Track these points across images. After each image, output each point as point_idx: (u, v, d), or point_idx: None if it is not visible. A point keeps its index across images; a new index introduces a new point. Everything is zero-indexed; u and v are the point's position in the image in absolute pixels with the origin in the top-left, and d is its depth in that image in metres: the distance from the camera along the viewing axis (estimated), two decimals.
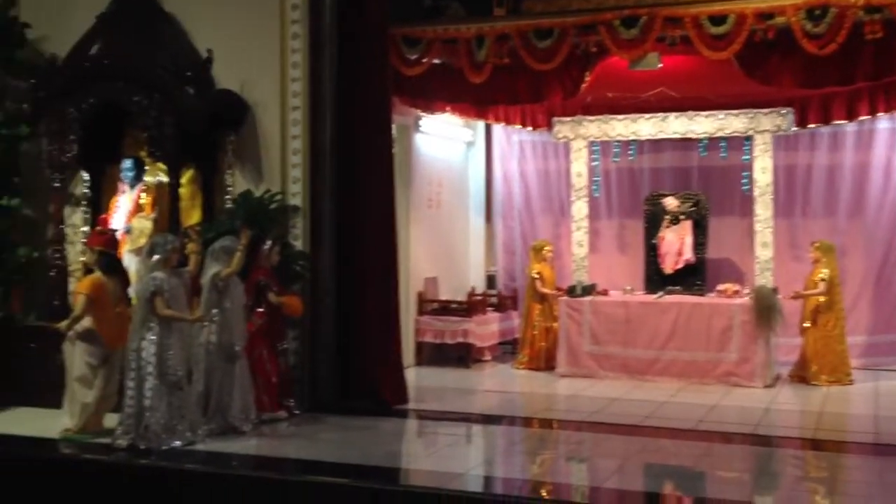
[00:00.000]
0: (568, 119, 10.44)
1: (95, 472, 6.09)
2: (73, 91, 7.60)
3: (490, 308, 11.06)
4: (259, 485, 5.84)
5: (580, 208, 10.38)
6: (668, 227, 10.16)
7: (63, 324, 6.65)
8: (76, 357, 6.63)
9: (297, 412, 7.45)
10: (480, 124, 11.61)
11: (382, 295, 8.05)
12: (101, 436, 6.52)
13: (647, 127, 10.07)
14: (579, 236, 10.35)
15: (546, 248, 10.49)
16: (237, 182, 7.96)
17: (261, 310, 7.28)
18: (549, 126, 10.66)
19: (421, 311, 10.48)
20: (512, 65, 8.67)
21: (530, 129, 11.09)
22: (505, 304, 11.39)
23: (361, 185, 8.05)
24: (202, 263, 6.90)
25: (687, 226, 10.11)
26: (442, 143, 11.14)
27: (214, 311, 6.80)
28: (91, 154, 7.97)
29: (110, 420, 6.66)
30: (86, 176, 8.26)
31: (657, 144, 10.74)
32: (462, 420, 7.77)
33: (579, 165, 10.39)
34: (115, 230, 7.53)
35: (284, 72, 7.82)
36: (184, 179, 7.87)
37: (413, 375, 9.05)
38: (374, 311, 8.00)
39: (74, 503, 5.91)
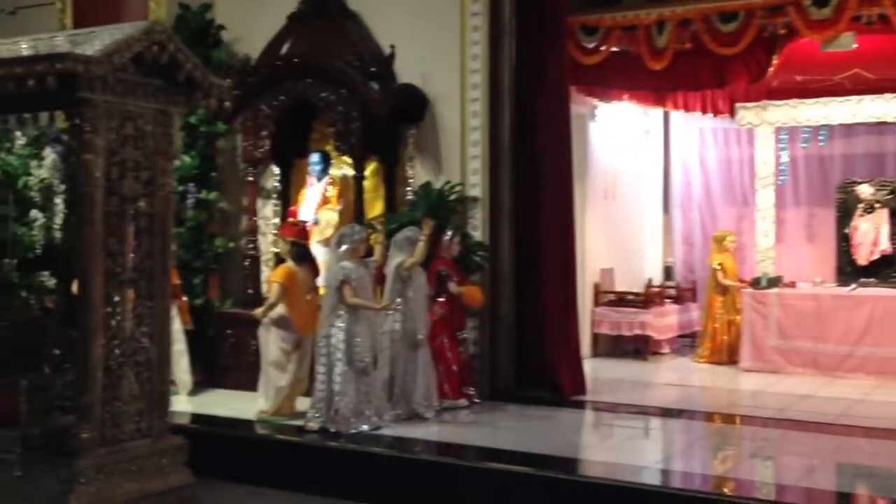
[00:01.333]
0: (752, 104, 10.08)
1: (288, 453, 6.37)
2: (266, 89, 7.98)
3: (668, 300, 10.83)
4: (442, 470, 5.96)
5: (765, 197, 10.01)
6: (861, 216, 9.68)
7: (259, 311, 7.00)
8: (270, 342, 6.94)
9: (476, 400, 7.54)
10: (658, 112, 11.37)
11: (561, 285, 8.03)
12: (294, 418, 6.81)
13: (839, 111, 9.60)
14: (765, 226, 10.00)
15: (728, 238, 10.18)
16: (418, 174, 8.13)
17: (442, 299, 7.40)
18: (732, 112, 10.33)
19: (597, 303, 10.38)
20: (693, 50, 8.44)
21: (711, 115, 10.76)
22: (683, 295, 11.13)
23: (540, 176, 8.06)
24: (386, 254, 7.08)
25: (883, 214, 9.59)
26: (618, 132, 10.98)
27: (398, 300, 6.97)
28: (281, 149, 8.34)
29: (301, 403, 6.96)
30: (276, 170, 8.66)
31: (850, 129, 10.22)
32: (640, 413, 7.63)
33: (765, 152, 10.03)
34: (305, 221, 7.85)
35: (464, 64, 7.91)
36: (367, 172, 8.12)
37: (589, 367, 8.96)
38: (552, 300, 8.00)
39: (268, 480, 6.18)
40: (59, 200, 7.26)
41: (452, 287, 7.39)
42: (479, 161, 7.94)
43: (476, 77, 7.89)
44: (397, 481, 5.92)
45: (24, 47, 4.89)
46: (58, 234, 7.21)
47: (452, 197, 7.78)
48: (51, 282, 7.20)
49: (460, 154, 7.98)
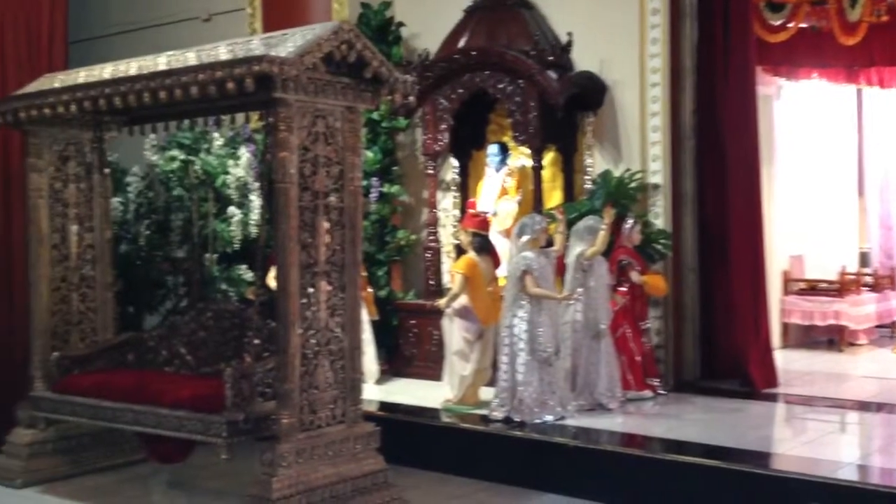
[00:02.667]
0: None
1: (473, 441, 6.45)
2: (444, 82, 8.09)
3: (864, 288, 10.25)
4: (627, 461, 5.88)
5: None
6: None
7: (442, 301, 7.11)
8: (454, 332, 7.03)
9: (661, 392, 7.38)
10: (850, 89, 10.75)
11: (749, 272, 7.75)
12: (478, 407, 6.89)
13: None
14: None
15: None
16: (597, 162, 8.03)
17: (623, 289, 7.28)
18: None
19: (786, 291, 9.95)
20: (890, 22, 7.93)
21: None
22: (881, 283, 10.50)
23: (724, 160, 7.80)
24: (567, 243, 7.04)
25: None
26: (807, 111, 10.46)
27: (580, 289, 6.92)
28: (459, 141, 8.44)
29: (485, 393, 7.02)
30: (455, 162, 8.78)
31: None
32: (836, 406, 7.27)
33: None
34: (485, 212, 7.91)
35: (643, 48, 7.73)
36: (545, 161, 8.09)
37: (780, 358, 8.60)
38: (739, 289, 7.73)
39: (454, 468, 6.28)
40: (253, 197, 7.65)
41: (634, 276, 7.27)
42: (659, 147, 7.75)
43: (656, 61, 7.69)
44: (582, 472, 5.89)
45: (223, 52, 5.15)
46: (253, 230, 7.60)
47: (633, 184, 7.64)
48: (248, 274, 7.61)
49: (640, 140, 7.82)
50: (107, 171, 6.54)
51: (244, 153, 7.81)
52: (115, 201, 7.32)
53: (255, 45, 5.11)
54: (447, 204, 8.81)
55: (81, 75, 5.90)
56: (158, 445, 5.73)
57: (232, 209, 7.55)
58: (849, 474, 5.45)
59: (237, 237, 7.56)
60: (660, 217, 7.76)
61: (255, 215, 7.60)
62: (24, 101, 5.82)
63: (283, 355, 4.88)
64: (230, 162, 7.69)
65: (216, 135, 7.75)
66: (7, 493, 5.94)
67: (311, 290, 5.01)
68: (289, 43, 4.86)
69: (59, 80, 6.09)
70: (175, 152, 7.66)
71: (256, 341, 5.45)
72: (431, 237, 8.54)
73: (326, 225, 5.07)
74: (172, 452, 5.77)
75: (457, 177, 8.80)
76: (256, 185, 7.68)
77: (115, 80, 5.34)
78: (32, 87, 6.19)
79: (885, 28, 8.13)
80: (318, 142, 5.04)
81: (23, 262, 7.08)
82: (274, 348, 5.11)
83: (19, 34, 7.77)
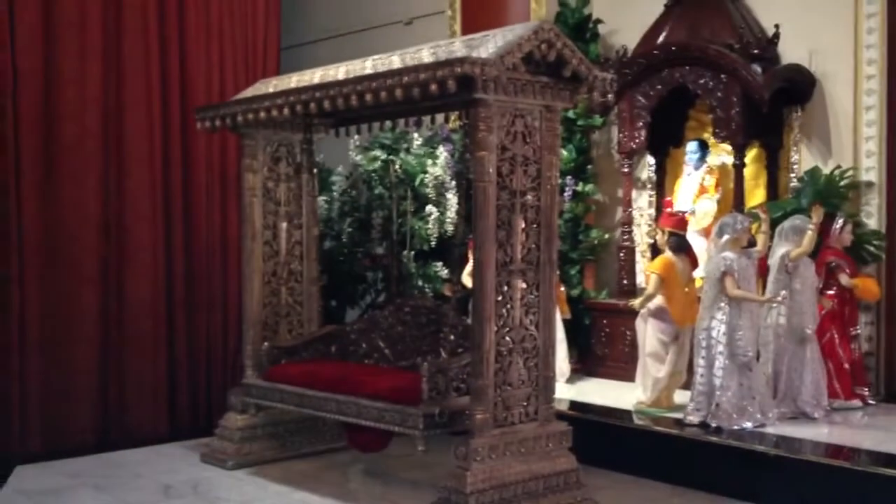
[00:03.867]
0: None
1: (667, 445, 6.32)
2: (642, 79, 7.97)
3: None
4: (832, 473, 5.58)
5: None
6: None
7: (637, 301, 7.01)
8: (648, 334, 6.91)
9: (871, 402, 6.98)
10: None
11: None
12: (672, 410, 6.74)
13: None
14: None
15: None
16: (803, 159, 7.69)
17: (831, 292, 6.93)
18: None
19: None
20: None
21: None
22: None
23: None
24: (770, 244, 6.78)
25: None
26: None
27: (783, 292, 6.64)
28: (656, 139, 8.29)
29: (679, 396, 6.87)
30: (651, 160, 8.63)
31: None
32: None
33: None
34: (683, 211, 7.73)
35: (858, 39, 7.32)
36: (748, 159, 7.82)
37: None
38: None
39: (645, 471, 6.19)
40: (449, 196, 7.82)
41: (844, 279, 6.90)
42: (874, 143, 7.32)
43: (872, 52, 7.27)
44: (782, 482, 5.65)
45: (426, 54, 5.29)
46: (449, 227, 7.77)
47: (843, 182, 7.25)
48: (443, 271, 7.79)
49: (853, 136, 7.41)
50: (315, 171, 6.86)
51: (442, 152, 7.99)
52: (321, 200, 7.67)
53: (457, 46, 5.22)
54: (643, 203, 8.68)
55: (293, 80, 6.21)
56: (358, 434, 5.97)
57: (429, 207, 7.75)
58: None
59: (434, 234, 7.75)
60: (873, 217, 7.36)
61: (451, 213, 7.77)
62: (242, 105, 6.18)
63: (477, 351, 4.96)
64: (428, 161, 7.90)
65: (415, 135, 7.97)
66: (220, 473, 6.34)
67: (506, 287, 5.06)
68: (490, 44, 4.92)
69: (273, 84, 6.45)
70: (377, 152, 7.94)
71: (452, 337, 5.58)
72: (626, 236, 8.43)
73: (522, 224, 5.11)
74: (371, 442, 5.99)
75: (653, 175, 8.66)
76: (453, 183, 7.84)
77: (325, 84, 5.58)
78: (249, 92, 6.58)
79: None
80: (516, 141, 5.09)
81: (237, 257, 7.56)
82: (469, 345, 5.21)
83: (237, 42, 8.27)
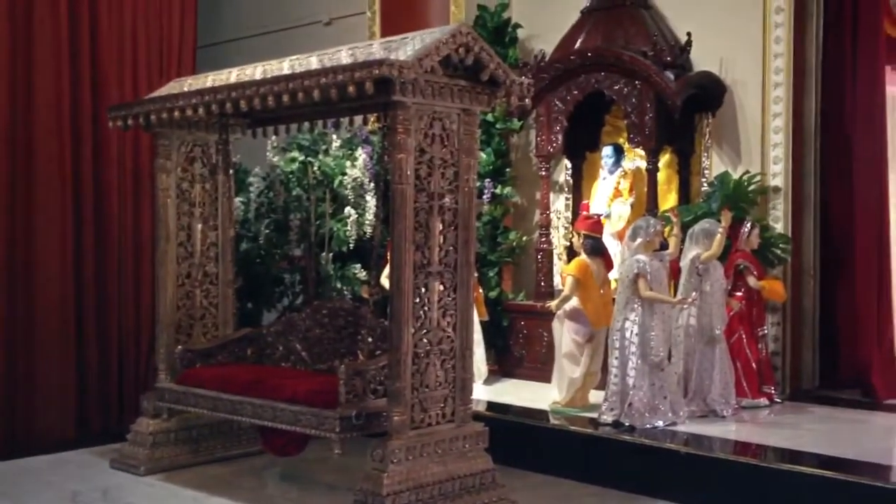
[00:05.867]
0: None
1: (582, 444, 6.42)
2: (560, 84, 8.07)
3: None
4: (740, 470, 5.74)
5: None
6: None
7: (553, 303, 7.10)
8: (564, 335, 7.01)
9: (777, 400, 7.20)
10: None
11: (873, 278, 7.54)
12: (587, 410, 6.85)
13: None
14: None
15: None
16: (714, 164, 7.89)
17: (740, 293, 7.14)
18: None
19: None
20: None
21: None
22: None
23: (849, 163, 7.56)
24: (681, 247, 6.94)
25: None
26: None
27: (694, 294, 6.80)
28: (573, 143, 8.40)
29: (594, 396, 6.98)
30: (568, 164, 8.76)
31: None
32: None
33: None
34: (599, 214, 7.86)
35: (766, 48, 7.55)
36: (661, 163, 7.99)
37: None
38: (862, 295, 7.51)
39: (561, 470, 6.26)
40: (368, 198, 7.81)
41: (752, 281, 7.11)
42: (781, 149, 7.55)
43: (779, 61, 7.50)
44: (692, 479, 5.79)
45: (345, 56, 5.27)
46: (368, 229, 7.76)
47: (752, 187, 7.46)
48: (362, 273, 7.77)
49: (761, 142, 7.64)
50: (231, 171, 6.77)
51: (361, 154, 7.97)
52: (238, 201, 7.57)
53: (376, 49, 5.22)
54: (560, 206, 8.80)
55: (209, 79, 6.13)
56: (274, 438, 5.91)
57: (348, 209, 7.72)
58: None
59: (352, 237, 7.72)
60: (779, 221, 7.58)
61: (369, 215, 7.75)
62: (156, 104, 6.07)
63: (395, 354, 4.97)
64: (347, 163, 7.87)
65: (334, 136, 7.93)
66: (131, 479, 6.20)
67: (423, 290, 5.08)
68: (408, 46, 4.94)
69: (188, 83, 6.35)
70: (295, 154, 7.88)
71: (370, 339, 5.57)
72: (543, 239, 8.53)
73: (440, 226, 5.13)
74: (287, 446, 5.94)
75: (570, 178, 8.78)
76: (372, 185, 7.83)
77: (241, 83, 5.52)
78: (163, 91, 6.47)
79: None
80: (434, 144, 5.12)
81: (150, 259, 7.40)
82: (386, 347, 5.21)
83: (151, 40, 8.11)
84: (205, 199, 6.67)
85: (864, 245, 7.55)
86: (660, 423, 6.39)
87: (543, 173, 8.51)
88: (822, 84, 7.71)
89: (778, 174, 7.58)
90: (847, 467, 5.53)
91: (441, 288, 5.16)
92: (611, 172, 8.26)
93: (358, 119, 6.23)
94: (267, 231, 7.94)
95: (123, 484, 6.09)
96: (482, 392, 7.58)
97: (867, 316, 7.51)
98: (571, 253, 7.86)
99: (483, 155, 8.48)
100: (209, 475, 6.27)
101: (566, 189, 8.81)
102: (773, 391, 7.23)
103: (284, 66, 5.63)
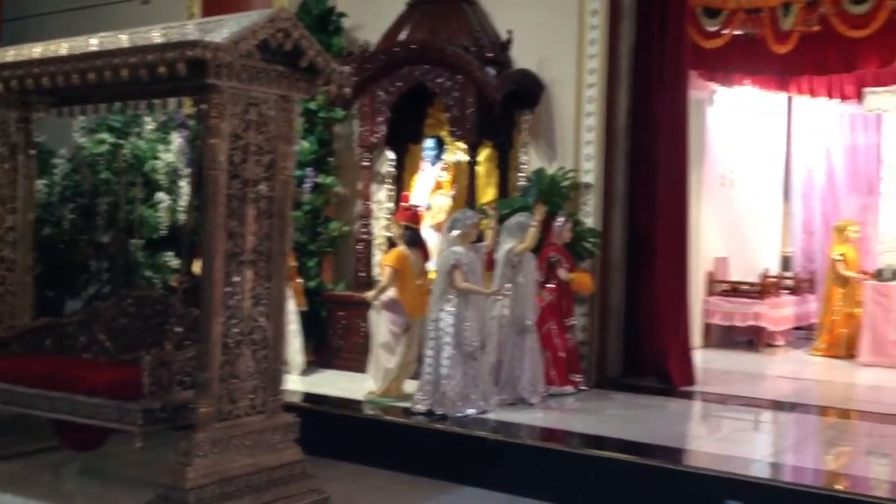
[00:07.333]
0: (882, 89, 9.66)
1: (395, 433, 6.48)
2: (384, 75, 8.07)
3: (785, 291, 10.54)
4: (546, 456, 5.95)
5: (893, 186, 9.58)
6: None
7: (370, 293, 7.12)
8: (381, 325, 7.04)
9: (583, 388, 7.50)
10: (781, 97, 11.01)
11: (673, 273, 7.93)
12: (402, 400, 6.91)
13: None
14: (891, 215, 9.57)
15: (850, 228, 9.85)
16: (531, 160, 8.09)
17: (551, 285, 7.36)
18: (860, 97, 9.92)
19: (710, 292, 10.18)
20: (821, 33, 8.16)
21: (838, 101, 10.36)
22: (801, 287, 10.83)
23: (655, 162, 7.94)
24: (497, 239, 7.09)
25: None
26: (738, 117, 10.69)
27: (508, 285, 6.98)
28: (396, 134, 8.43)
29: (410, 386, 7.05)
30: (391, 155, 8.77)
31: None
32: (751, 405, 7.47)
33: (894, 139, 9.60)
34: (418, 206, 7.93)
35: (581, 49, 7.82)
36: (481, 157, 8.14)
37: (700, 357, 8.83)
38: (664, 289, 7.90)
39: (375, 460, 6.29)
40: (183, 183, 7.56)
41: (562, 273, 7.36)
42: (593, 147, 7.85)
43: (593, 62, 7.79)
44: (502, 465, 5.95)
45: (157, 35, 5.07)
46: (181, 216, 7.51)
47: (565, 183, 7.72)
48: (174, 261, 7.52)
49: (574, 140, 7.91)
50: (32, 152, 6.37)
51: (176, 139, 7.70)
52: (40, 183, 7.17)
53: (190, 29, 5.04)
54: (381, 196, 8.81)
55: (10, 54, 5.74)
56: (72, 433, 5.63)
57: (160, 195, 7.46)
58: (760, 471, 5.60)
59: (164, 223, 7.47)
60: (590, 216, 7.86)
61: (183, 202, 7.52)
62: None
63: (204, 343, 4.83)
64: (160, 147, 7.59)
65: (148, 119, 7.64)
66: None
67: (235, 278, 4.96)
68: (224, 29, 4.79)
69: None
70: (104, 135, 7.53)
71: (178, 329, 5.40)
72: (364, 229, 8.54)
73: (254, 214, 5.03)
74: (86, 440, 5.68)
75: (392, 170, 8.80)
76: (187, 171, 7.59)
77: (45, 59, 5.22)
78: None
79: (816, 38, 8.32)
80: (249, 129, 4.99)
81: None
82: (196, 337, 5.06)
83: None
84: (3, 180, 6.25)
85: (666, 241, 7.93)
86: (471, 412, 6.53)
87: (366, 163, 8.50)
88: (633, 85, 8.06)
89: (590, 171, 7.86)
90: (644, 451, 5.83)
91: (254, 277, 5.05)
92: (432, 164, 8.35)
93: (173, 102, 6.01)
94: (72, 216, 7.56)
95: None
96: (299, 383, 7.52)
97: (666, 308, 7.91)
98: (391, 244, 7.89)
99: (306, 143, 8.39)
100: (2, 473, 5.90)
101: (388, 180, 8.83)
102: (579, 379, 7.51)
103: (93, 42, 5.34)
